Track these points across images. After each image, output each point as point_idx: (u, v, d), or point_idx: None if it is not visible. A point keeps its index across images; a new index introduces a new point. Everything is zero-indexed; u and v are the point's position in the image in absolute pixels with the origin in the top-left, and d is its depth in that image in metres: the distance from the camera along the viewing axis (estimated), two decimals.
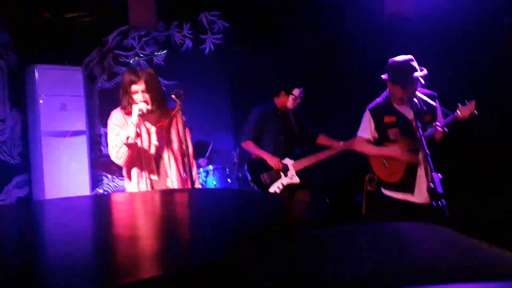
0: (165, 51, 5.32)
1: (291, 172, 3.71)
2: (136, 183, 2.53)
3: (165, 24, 5.31)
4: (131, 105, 2.46)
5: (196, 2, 5.16)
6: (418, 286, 0.50)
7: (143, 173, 2.52)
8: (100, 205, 1.34)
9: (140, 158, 2.51)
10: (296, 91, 3.65)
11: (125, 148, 2.44)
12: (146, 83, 2.43)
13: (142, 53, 5.35)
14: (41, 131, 4.48)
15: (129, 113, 2.49)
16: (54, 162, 4.49)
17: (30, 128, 4.74)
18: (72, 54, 5.30)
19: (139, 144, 2.48)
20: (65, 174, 4.51)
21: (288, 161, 3.72)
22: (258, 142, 3.75)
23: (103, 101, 5.09)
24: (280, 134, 3.73)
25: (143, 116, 2.43)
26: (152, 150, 2.55)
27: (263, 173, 3.71)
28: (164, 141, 2.59)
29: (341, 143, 3.66)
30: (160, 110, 2.52)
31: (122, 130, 2.48)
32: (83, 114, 4.74)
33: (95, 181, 5.00)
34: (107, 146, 2.74)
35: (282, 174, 3.70)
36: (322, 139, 3.86)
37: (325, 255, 0.63)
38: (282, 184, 3.72)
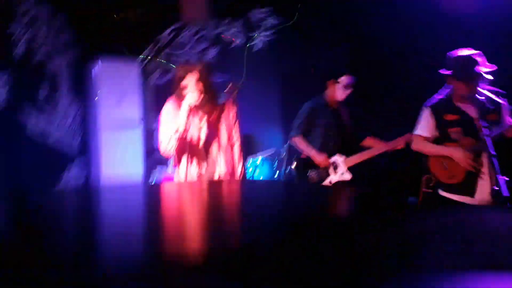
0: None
1: (342, 168, 3.59)
2: (184, 174, 2.57)
3: (217, 21, 5.37)
4: (183, 96, 2.50)
5: None
6: None
7: (192, 165, 2.56)
8: (152, 194, 1.37)
9: (189, 151, 2.55)
10: (343, 79, 3.52)
11: (173, 139, 2.48)
12: (200, 74, 2.49)
13: (193, 51, 5.45)
14: (100, 124, 4.70)
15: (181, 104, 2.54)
16: (111, 154, 4.69)
17: (89, 121, 4.99)
18: (128, 50, 5.51)
19: (188, 137, 2.52)
20: (121, 165, 4.70)
21: (338, 158, 3.60)
22: (308, 137, 3.65)
23: (157, 97, 5.25)
24: (330, 130, 3.60)
25: (193, 109, 2.47)
26: (201, 144, 2.58)
27: (311, 170, 3.63)
28: (213, 135, 2.61)
29: (383, 143, 3.52)
30: (211, 103, 2.55)
31: (173, 121, 2.52)
32: (139, 108, 4.92)
33: (150, 172, 5.17)
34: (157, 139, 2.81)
35: (331, 171, 3.59)
36: (368, 141, 3.70)
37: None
38: (331, 182, 3.61)
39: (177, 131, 2.46)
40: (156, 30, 5.57)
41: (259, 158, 4.40)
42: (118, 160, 4.71)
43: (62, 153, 4.79)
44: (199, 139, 2.58)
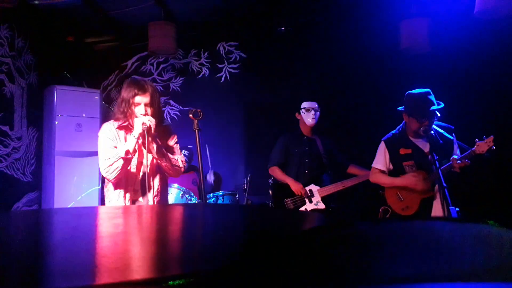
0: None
1: (316, 198, 3.66)
2: (115, 200, 2.38)
3: (184, 52, 5.44)
4: (128, 117, 2.35)
5: (215, 32, 5.30)
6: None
7: (127, 193, 2.39)
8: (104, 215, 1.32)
9: (126, 176, 2.38)
10: (304, 104, 3.69)
11: (120, 162, 2.29)
12: (151, 96, 2.36)
13: (159, 79, 5.46)
14: (55, 151, 4.53)
15: (123, 127, 2.40)
16: (65, 182, 4.51)
17: (44, 147, 4.80)
18: (91, 77, 5.45)
19: (133, 162, 2.36)
20: (76, 194, 4.51)
21: (313, 187, 3.68)
22: (284, 167, 3.75)
23: None
24: (305, 158, 3.71)
25: (147, 130, 2.28)
26: (146, 171, 2.37)
27: (287, 198, 3.67)
28: (157, 164, 2.47)
29: (364, 172, 3.63)
30: (157, 129, 2.38)
31: (116, 143, 2.36)
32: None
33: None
34: None
35: (306, 200, 3.65)
36: (352, 169, 3.82)
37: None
38: (306, 210, 3.66)
39: (127, 152, 2.28)
40: (121, 58, 5.56)
41: (219, 192, 4.38)
42: (73, 189, 4.53)
43: (15, 179, 4.55)
44: (141, 164, 2.41)
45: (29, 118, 4.71)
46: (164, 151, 2.45)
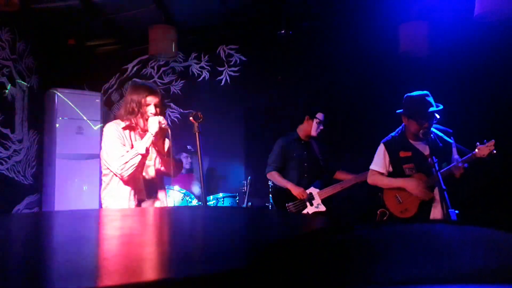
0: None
1: (317, 201, 3.67)
2: (121, 201, 2.39)
3: (184, 55, 5.46)
4: (136, 117, 2.39)
5: (215, 36, 5.33)
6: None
7: (134, 192, 2.41)
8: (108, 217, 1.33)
9: (138, 179, 2.42)
10: (320, 115, 3.67)
11: (138, 159, 2.31)
12: (160, 98, 2.47)
13: (160, 82, 5.48)
14: (56, 153, 4.54)
15: (128, 127, 2.43)
16: (66, 184, 4.52)
17: (45, 150, 4.81)
18: (92, 80, 5.47)
19: (144, 165, 2.39)
20: (76, 197, 4.52)
21: (313, 190, 3.69)
22: (283, 171, 3.74)
23: None
24: (304, 162, 3.72)
25: (161, 129, 2.36)
26: (151, 171, 2.46)
27: (288, 202, 3.68)
28: (161, 168, 2.53)
29: (353, 176, 3.65)
30: (162, 132, 2.44)
31: (124, 142, 2.38)
32: (98, 138, 4.81)
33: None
34: None
35: (307, 203, 3.66)
36: (339, 175, 3.83)
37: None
38: (308, 213, 3.68)
39: (147, 149, 2.32)
40: (122, 61, 5.58)
41: (219, 194, 4.39)
42: (74, 192, 4.54)
43: (15, 181, 4.56)
44: (145, 165, 2.45)
45: (30, 121, 4.72)
46: (171, 150, 2.53)
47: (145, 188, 2.46)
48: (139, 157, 2.32)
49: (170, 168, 2.51)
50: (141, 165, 2.39)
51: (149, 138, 2.36)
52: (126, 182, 2.40)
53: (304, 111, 3.79)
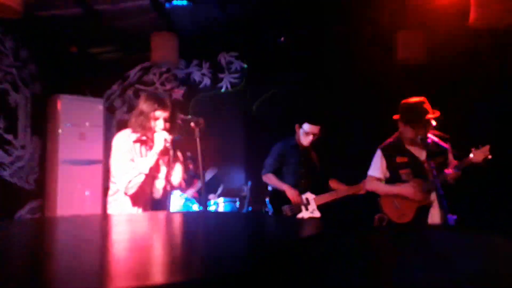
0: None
1: (312, 206, 3.69)
2: (126, 208, 2.38)
3: (186, 62, 5.53)
4: (146, 130, 2.34)
5: (216, 43, 5.39)
6: None
7: (138, 207, 2.39)
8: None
9: (145, 193, 2.40)
10: (306, 126, 3.63)
11: (141, 178, 2.28)
12: (171, 112, 2.37)
13: (162, 89, 5.54)
14: (59, 159, 4.59)
15: (139, 140, 2.38)
16: (69, 190, 4.56)
17: (48, 155, 4.86)
18: (94, 86, 5.53)
19: (149, 179, 2.37)
20: (79, 202, 4.56)
21: (309, 195, 3.71)
22: (279, 175, 3.75)
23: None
24: (301, 167, 3.73)
25: (166, 146, 2.31)
26: (159, 185, 2.43)
27: (284, 205, 3.70)
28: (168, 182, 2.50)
29: (346, 187, 3.66)
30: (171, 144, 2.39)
31: (133, 155, 2.34)
32: (101, 144, 4.86)
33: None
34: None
35: (303, 207, 3.68)
36: (331, 183, 3.84)
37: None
38: (303, 218, 3.68)
39: (151, 169, 2.30)
40: (124, 67, 5.64)
41: (220, 199, 4.42)
42: (76, 197, 4.58)
43: (18, 187, 4.61)
44: (152, 180, 2.45)
45: (33, 127, 4.78)
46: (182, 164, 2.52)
47: (151, 199, 2.47)
48: (143, 176, 2.29)
49: (179, 183, 2.52)
50: (148, 179, 2.37)
51: (153, 156, 2.32)
52: (134, 197, 2.39)
53: (295, 119, 3.79)
